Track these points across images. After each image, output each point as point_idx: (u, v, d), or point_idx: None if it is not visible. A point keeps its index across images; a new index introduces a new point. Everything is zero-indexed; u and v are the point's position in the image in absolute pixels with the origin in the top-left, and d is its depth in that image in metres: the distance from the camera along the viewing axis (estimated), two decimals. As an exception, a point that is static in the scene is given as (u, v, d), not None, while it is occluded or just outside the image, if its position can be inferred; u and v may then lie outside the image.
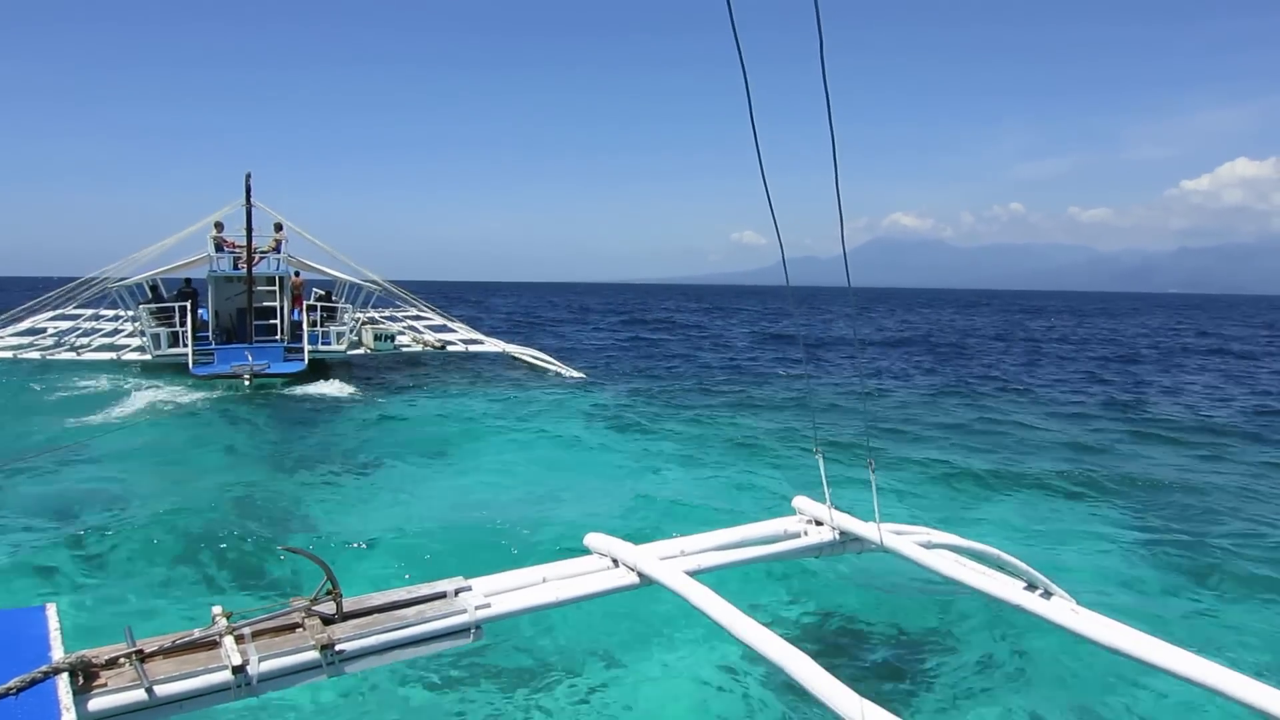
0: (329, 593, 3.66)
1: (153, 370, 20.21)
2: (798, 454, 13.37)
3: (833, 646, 5.75)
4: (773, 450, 13.76)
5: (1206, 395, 21.43)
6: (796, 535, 4.98)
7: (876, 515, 4.80)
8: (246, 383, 17.11)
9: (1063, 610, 4.39)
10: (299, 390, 18.47)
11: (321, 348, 20.11)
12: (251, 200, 19.12)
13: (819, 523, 5.07)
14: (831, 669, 3.43)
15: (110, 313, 23.69)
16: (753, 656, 3.84)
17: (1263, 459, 13.18)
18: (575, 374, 23.39)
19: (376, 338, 21.97)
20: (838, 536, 5.00)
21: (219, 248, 20.42)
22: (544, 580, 4.20)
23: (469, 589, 3.95)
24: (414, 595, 3.85)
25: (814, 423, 5.02)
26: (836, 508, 5.03)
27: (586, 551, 4.57)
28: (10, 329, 22.42)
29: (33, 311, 23.20)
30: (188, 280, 21.32)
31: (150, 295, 20.64)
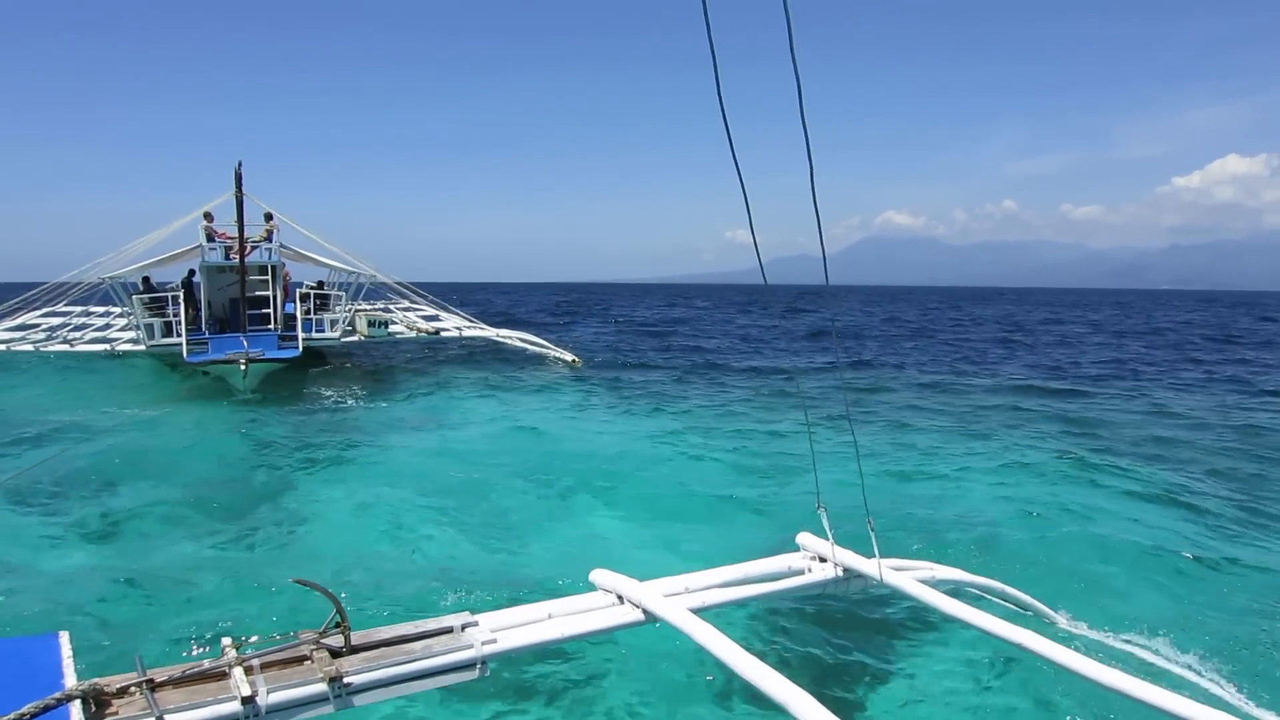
0: (337, 625, 3.71)
1: (147, 361, 20.29)
2: (795, 439, 13.43)
3: (836, 684, 5.73)
4: (771, 435, 13.85)
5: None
6: (800, 572, 5.02)
7: (876, 551, 4.84)
8: (242, 368, 16.90)
9: (1067, 651, 4.40)
10: (294, 383, 18.49)
11: (315, 335, 20.17)
12: (242, 190, 19.24)
13: (822, 559, 5.11)
14: (834, 707, 3.46)
15: (101, 309, 23.79)
16: (756, 695, 3.86)
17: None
18: (570, 357, 23.57)
19: (370, 324, 22.11)
20: (841, 573, 5.03)
21: (210, 238, 20.40)
22: (549, 616, 4.24)
23: (475, 624, 3.99)
24: (421, 630, 3.89)
25: (815, 472, 5.01)
26: (838, 544, 5.07)
27: (592, 587, 4.61)
28: (2, 323, 22.66)
29: (27, 305, 23.35)
30: (192, 271, 21.29)
31: (142, 287, 20.73)
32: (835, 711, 3.42)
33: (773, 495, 10.41)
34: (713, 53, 3.06)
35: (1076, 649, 4.71)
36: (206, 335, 19.43)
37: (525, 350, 24.21)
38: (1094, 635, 5.93)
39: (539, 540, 8.60)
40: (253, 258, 20.22)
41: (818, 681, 5.64)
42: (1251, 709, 5.09)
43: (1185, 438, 14.66)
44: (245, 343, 18.07)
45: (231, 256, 19.92)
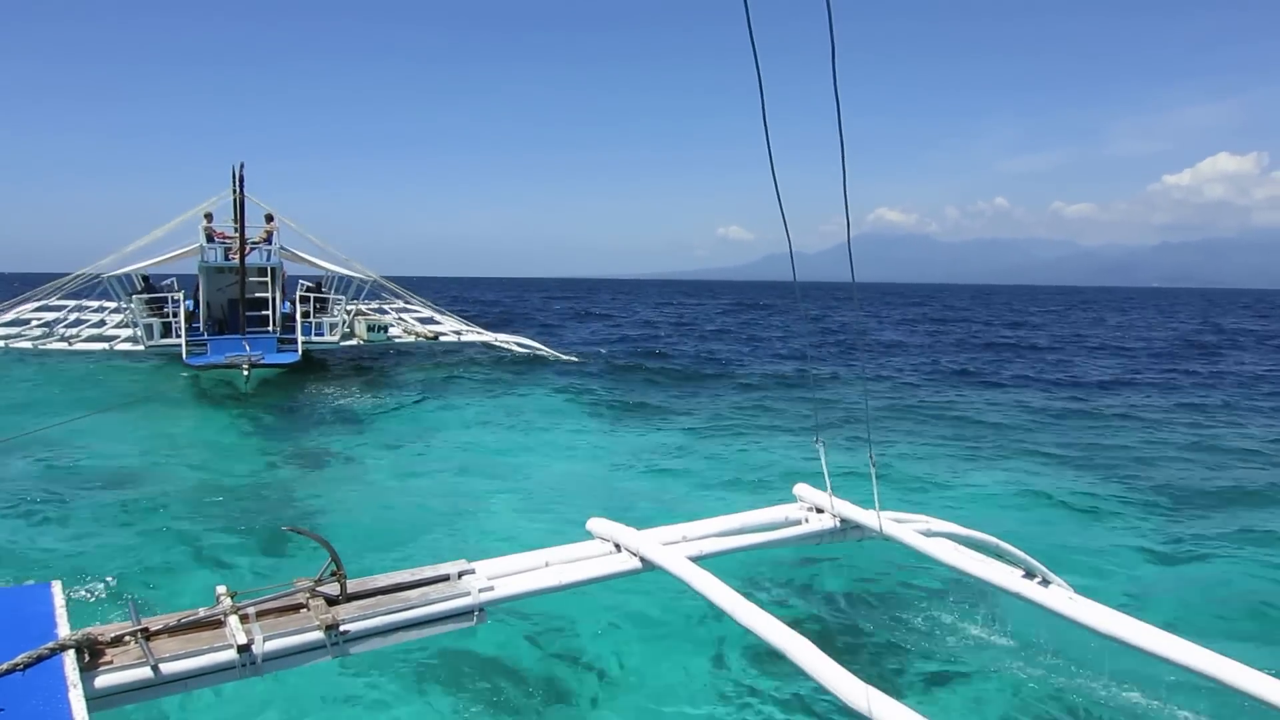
0: (333, 573, 3.68)
1: (145, 360, 20.19)
2: (797, 431, 13.37)
3: (834, 631, 5.78)
4: (771, 432, 13.80)
5: None
6: (798, 522, 5.01)
7: (876, 503, 4.82)
8: (245, 373, 16.78)
9: (1060, 598, 4.42)
10: (293, 386, 18.34)
11: (314, 339, 19.95)
12: (243, 190, 18.89)
13: (820, 510, 5.10)
14: (832, 654, 3.46)
15: (95, 303, 23.56)
16: (755, 642, 3.86)
17: None
18: (569, 357, 23.60)
19: (369, 328, 21.97)
20: (838, 524, 5.02)
21: (209, 238, 20.18)
22: (546, 564, 4.22)
23: (472, 571, 3.97)
24: (418, 577, 3.87)
25: (815, 410, 5.01)
26: (836, 495, 5.06)
27: (589, 536, 4.59)
28: None
29: (26, 300, 23.15)
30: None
31: (141, 286, 20.51)
32: (834, 658, 3.42)
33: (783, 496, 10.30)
34: (756, 58, 2.96)
35: (1069, 600, 4.72)
36: (205, 337, 19.26)
37: (523, 353, 24.06)
38: (1085, 595, 5.94)
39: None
40: (252, 259, 19.97)
41: (816, 628, 5.69)
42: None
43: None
44: (247, 345, 17.88)
45: (231, 257, 19.69)
